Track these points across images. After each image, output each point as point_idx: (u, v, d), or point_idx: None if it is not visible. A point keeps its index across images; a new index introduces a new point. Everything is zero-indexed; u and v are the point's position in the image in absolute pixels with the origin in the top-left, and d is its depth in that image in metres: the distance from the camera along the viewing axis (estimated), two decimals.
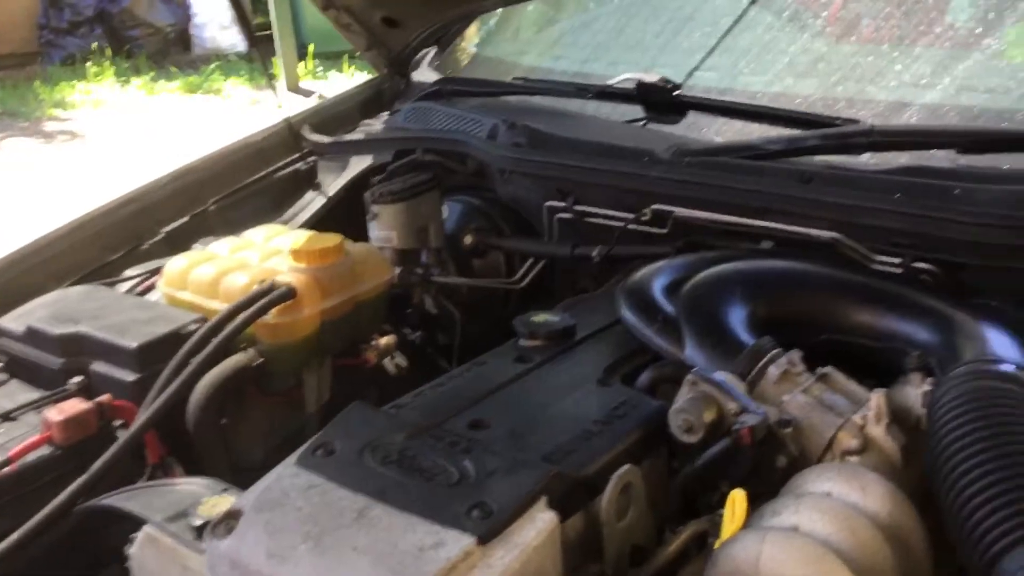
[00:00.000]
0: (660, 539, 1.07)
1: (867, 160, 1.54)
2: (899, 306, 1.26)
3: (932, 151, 1.53)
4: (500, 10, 2.42)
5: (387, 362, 1.78)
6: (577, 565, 1.00)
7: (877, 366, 1.23)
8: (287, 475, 1.03)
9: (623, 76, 1.96)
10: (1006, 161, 1.49)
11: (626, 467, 1.03)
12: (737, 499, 0.98)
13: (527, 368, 1.26)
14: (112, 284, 1.75)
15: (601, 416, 1.13)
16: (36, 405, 1.44)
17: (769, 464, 1.08)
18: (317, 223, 1.99)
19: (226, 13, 9.16)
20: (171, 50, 10.16)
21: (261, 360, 1.49)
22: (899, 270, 1.37)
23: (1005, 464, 0.92)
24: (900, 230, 1.35)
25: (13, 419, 1.42)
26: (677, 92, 1.83)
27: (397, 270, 1.80)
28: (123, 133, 7.55)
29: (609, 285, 1.63)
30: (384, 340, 1.72)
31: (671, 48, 2.31)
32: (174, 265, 1.61)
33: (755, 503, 1.01)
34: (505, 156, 1.78)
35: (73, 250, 1.83)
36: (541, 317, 1.35)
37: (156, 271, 1.71)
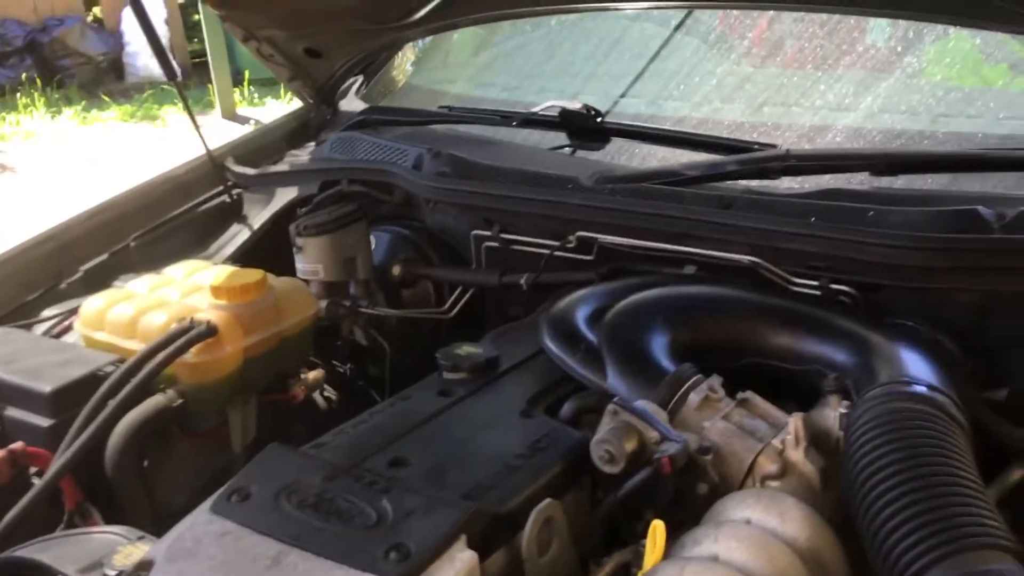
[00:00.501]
0: (585, 572, 1.07)
1: (788, 184, 1.56)
2: (816, 328, 1.27)
3: (854, 173, 1.56)
4: (429, 38, 2.42)
5: (317, 396, 1.76)
6: None
7: (800, 388, 1.25)
8: (200, 522, 1.01)
9: (548, 104, 1.96)
10: (921, 182, 1.52)
11: (547, 501, 1.02)
12: (657, 529, 0.98)
13: (450, 402, 1.25)
14: (28, 326, 1.70)
15: (523, 449, 1.13)
16: None
17: (691, 492, 1.08)
18: (243, 256, 1.96)
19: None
20: (104, 79, 10.01)
21: (182, 400, 1.46)
22: (817, 293, 1.38)
23: (919, 486, 0.93)
24: (816, 253, 1.37)
25: None
26: (601, 119, 1.84)
27: (324, 303, 1.78)
28: (56, 164, 7.41)
29: (537, 313, 1.63)
30: (312, 374, 1.70)
31: (599, 74, 2.32)
32: (91, 305, 1.57)
33: (678, 531, 1.01)
34: (430, 186, 1.77)
35: None
36: (464, 349, 1.34)
37: (74, 311, 1.67)
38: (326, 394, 1.81)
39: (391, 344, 1.85)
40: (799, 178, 1.56)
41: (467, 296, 1.84)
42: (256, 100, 9.05)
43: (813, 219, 1.37)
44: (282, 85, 9.07)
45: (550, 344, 1.31)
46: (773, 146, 1.62)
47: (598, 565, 1.06)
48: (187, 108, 1.97)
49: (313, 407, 1.74)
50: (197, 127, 1.97)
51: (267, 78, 8.72)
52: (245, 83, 9.02)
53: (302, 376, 1.68)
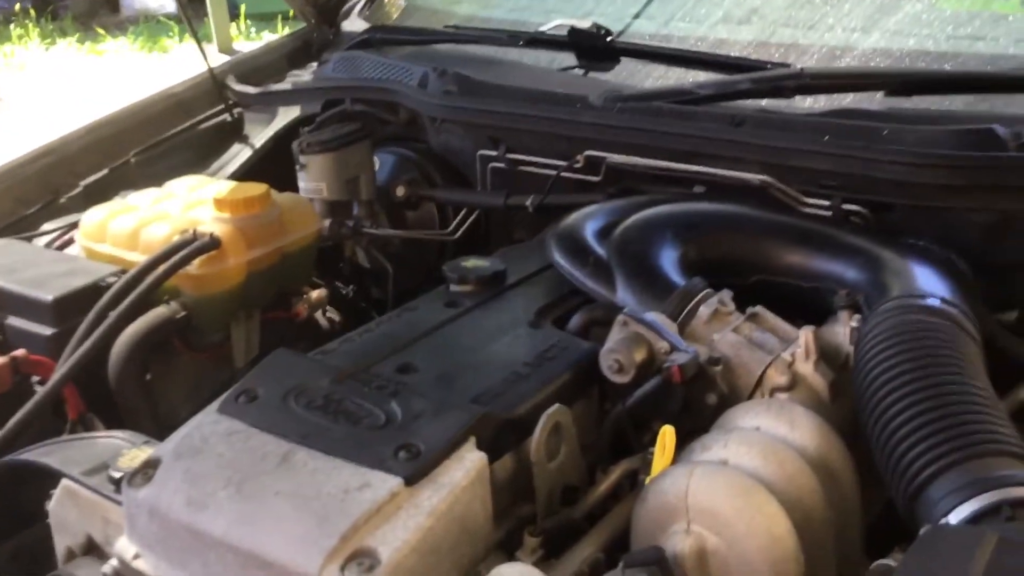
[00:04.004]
0: (592, 479, 1.07)
1: (801, 104, 1.54)
2: (827, 246, 1.26)
3: (869, 95, 1.53)
4: None
5: (319, 316, 1.75)
6: (507, 506, 0.99)
7: (808, 307, 1.24)
8: (208, 422, 1.01)
9: (555, 23, 1.92)
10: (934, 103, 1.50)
11: (556, 406, 1.01)
12: (667, 435, 0.97)
13: (457, 313, 1.24)
14: (29, 238, 1.69)
15: (531, 358, 1.12)
16: None
17: (699, 402, 1.07)
18: (244, 175, 1.93)
19: None
20: (99, 12, 9.87)
21: (185, 313, 1.45)
22: (828, 213, 1.37)
23: (930, 395, 0.93)
24: (829, 172, 1.35)
25: None
26: (611, 38, 1.81)
27: (327, 223, 1.76)
28: (46, 94, 7.32)
29: (542, 234, 1.62)
30: (315, 293, 1.69)
31: None
32: (92, 217, 1.56)
33: (686, 441, 1.01)
34: (435, 104, 1.74)
35: None
36: (471, 262, 1.33)
37: (74, 225, 1.65)
38: (328, 315, 1.80)
39: (394, 266, 1.83)
40: (813, 98, 1.53)
41: (471, 218, 1.82)
42: (253, 35, 8.92)
43: (827, 137, 1.35)
44: (279, 20, 8.93)
45: (558, 257, 1.30)
46: (786, 65, 1.59)
47: (605, 473, 1.06)
48: (188, 22, 1.92)
49: (315, 327, 1.74)
50: (199, 42, 1.93)
51: (263, 12, 8.61)
52: (242, 17, 8.89)
53: (304, 295, 1.68)
